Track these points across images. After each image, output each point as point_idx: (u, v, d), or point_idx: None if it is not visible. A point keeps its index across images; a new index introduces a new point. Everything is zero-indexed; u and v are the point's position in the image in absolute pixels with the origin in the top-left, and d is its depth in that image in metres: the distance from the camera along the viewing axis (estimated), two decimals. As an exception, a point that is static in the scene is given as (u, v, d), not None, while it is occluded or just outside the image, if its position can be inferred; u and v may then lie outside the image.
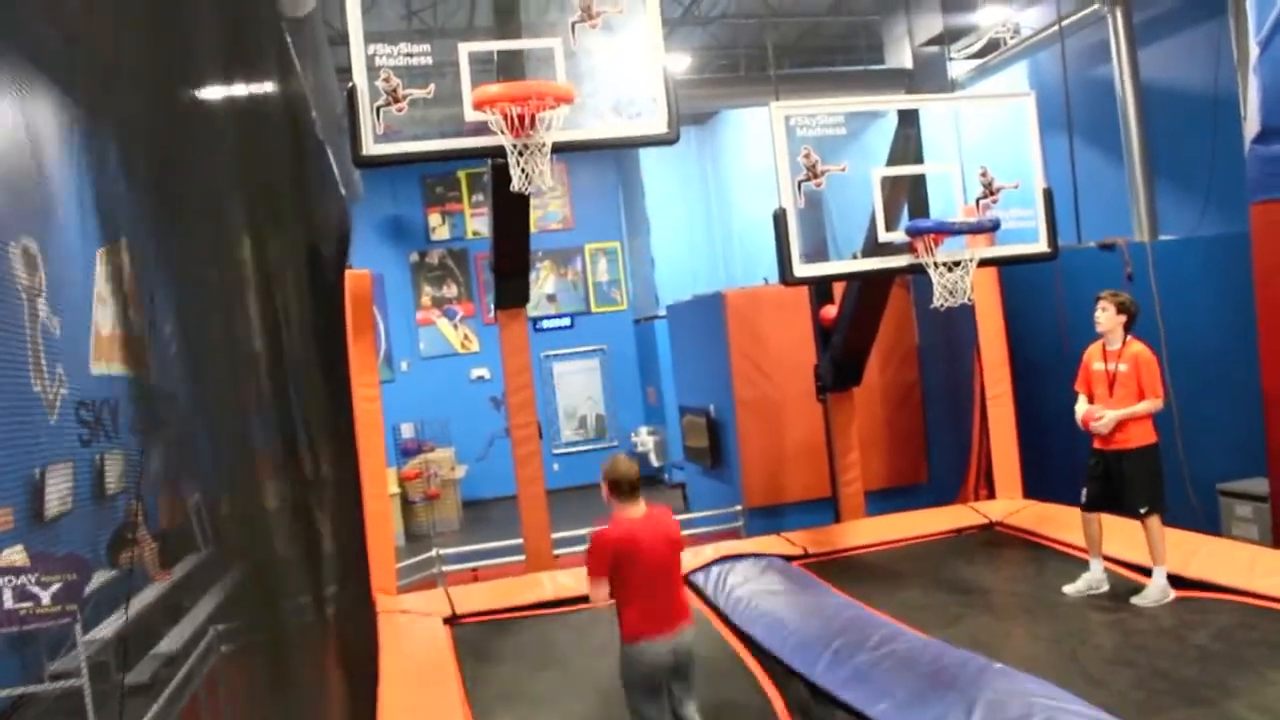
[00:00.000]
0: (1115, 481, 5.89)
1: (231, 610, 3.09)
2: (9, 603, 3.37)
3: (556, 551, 7.98)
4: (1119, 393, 5.85)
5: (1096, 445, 5.98)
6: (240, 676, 3.22)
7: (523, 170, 5.74)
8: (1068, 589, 6.09)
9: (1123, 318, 5.91)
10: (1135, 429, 5.82)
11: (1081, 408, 6.04)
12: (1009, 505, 8.07)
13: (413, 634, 6.41)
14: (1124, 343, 5.91)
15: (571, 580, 7.20)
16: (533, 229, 8.05)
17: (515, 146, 5.70)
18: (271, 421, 3.84)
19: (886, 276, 7.26)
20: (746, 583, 6.81)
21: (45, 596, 3.37)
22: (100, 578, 3.78)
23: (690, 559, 7.45)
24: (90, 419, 3.25)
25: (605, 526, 4.47)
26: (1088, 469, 6.05)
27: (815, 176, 6.73)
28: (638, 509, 4.43)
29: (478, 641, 6.48)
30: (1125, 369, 5.84)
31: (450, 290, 15.91)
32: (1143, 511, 5.77)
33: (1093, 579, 6.06)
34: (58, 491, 3.25)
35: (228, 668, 3.06)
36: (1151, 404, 5.80)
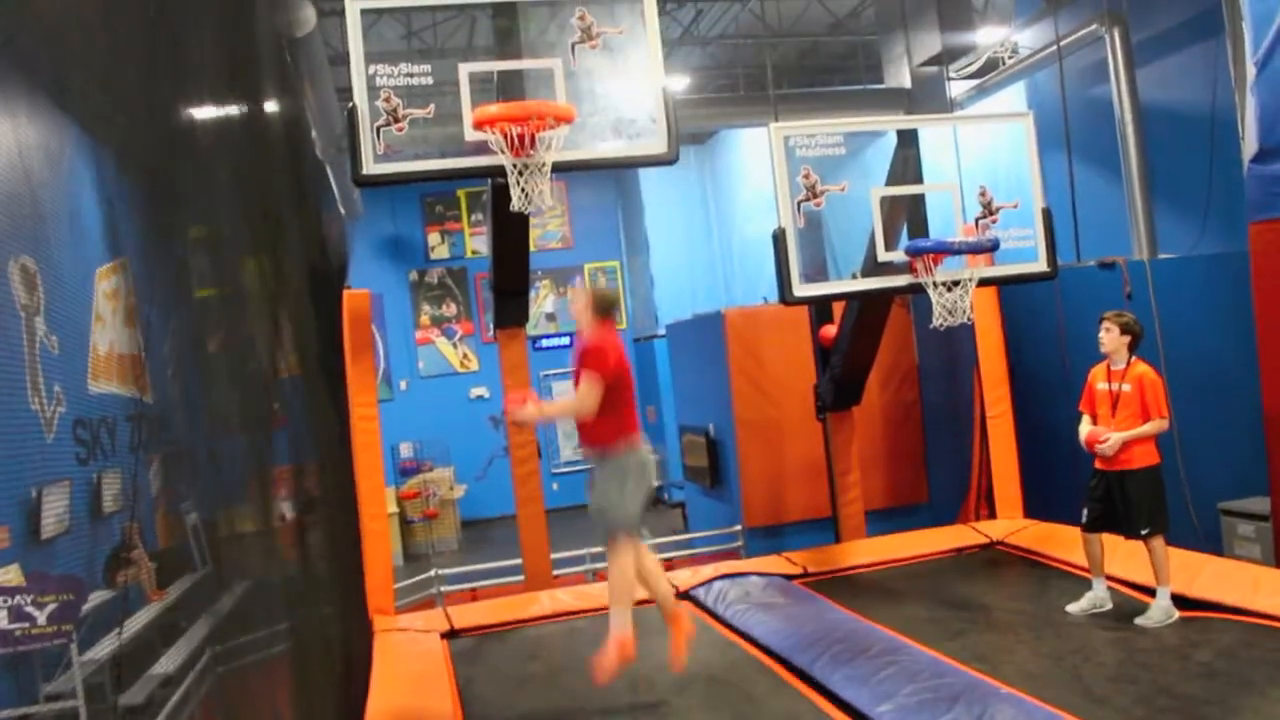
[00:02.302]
0: (1117, 502, 5.86)
1: (228, 631, 3.07)
2: (4, 623, 3.35)
3: (556, 571, 7.97)
4: (1122, 413, 5.82)
5: (1098, 465, 5.94)
6: (235, 697, 3.20)
7: (522, 190, 5.76)
8: (1071, 608, 6.06)
9: (1126, 338, 5.87)
10: (1138, 449, 5.79)
11: (1085, 428, 6.00)
12: (1010, 525, 8.04)
13: (407, 647, 6.39)
14: (1129, 363, 5.88)
15: (570, 598, 7.20)
16: (532, 248, 8.06)
17: (515, 166, 5.73)
18: (269, 441, 3.83)
19: (886, 296, 7.27)
20: (747, 596, 6.81)
21: (41, 616, 3.35)
22: (97, 598, 3.76)
23: (690, 577, 7.44)
24: (88, 437, 3.24)
25: (593, 337, 4.73)
26: (1088, 489, 6.02)
27: (815, 196, 6.74)
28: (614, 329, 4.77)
29: (474, 650, 6.48)
30: (1129, 389, 5.80)
31: (449, 309, 15.92)
32: (1145, 533, 5.73)
33: (1096, 598, 6.02)
34: (55, 511, 3.24)
35: (224, 688, 3.05)
36: (1156, 425, 5.76)
